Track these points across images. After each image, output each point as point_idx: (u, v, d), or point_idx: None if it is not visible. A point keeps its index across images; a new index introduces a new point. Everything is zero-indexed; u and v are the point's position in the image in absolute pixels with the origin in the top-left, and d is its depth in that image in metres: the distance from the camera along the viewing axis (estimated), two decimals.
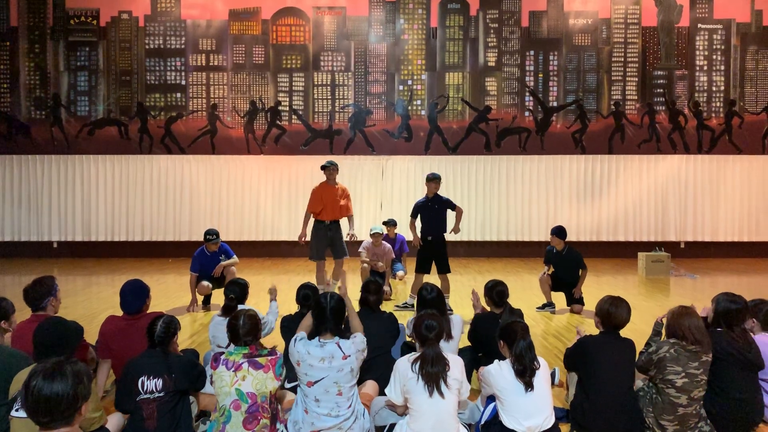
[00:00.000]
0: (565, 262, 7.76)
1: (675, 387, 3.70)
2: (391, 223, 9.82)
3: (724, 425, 3.88)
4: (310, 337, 3.65)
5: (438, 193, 7.72)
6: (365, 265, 8.91)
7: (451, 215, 7.72)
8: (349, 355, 3.55)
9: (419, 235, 7.76)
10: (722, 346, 3.95)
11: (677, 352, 3.74)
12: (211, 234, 7.73)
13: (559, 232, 7.80)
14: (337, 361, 3.50)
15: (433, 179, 7.70)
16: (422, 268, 7.68)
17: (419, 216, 7.76)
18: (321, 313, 3.67)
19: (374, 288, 4.67)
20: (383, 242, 9.17)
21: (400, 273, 9.79)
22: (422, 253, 7.70)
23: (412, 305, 7.39)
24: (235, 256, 8.01)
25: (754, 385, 3.98)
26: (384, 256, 9.08)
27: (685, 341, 3.75)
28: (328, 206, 7.91)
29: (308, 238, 7.91)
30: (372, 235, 9.05)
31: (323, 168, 8.09)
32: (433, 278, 7.05)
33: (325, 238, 7.96)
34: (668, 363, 3.72)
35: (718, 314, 4.10)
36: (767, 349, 4.08)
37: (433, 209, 7.64)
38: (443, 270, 7.63)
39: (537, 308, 7.80)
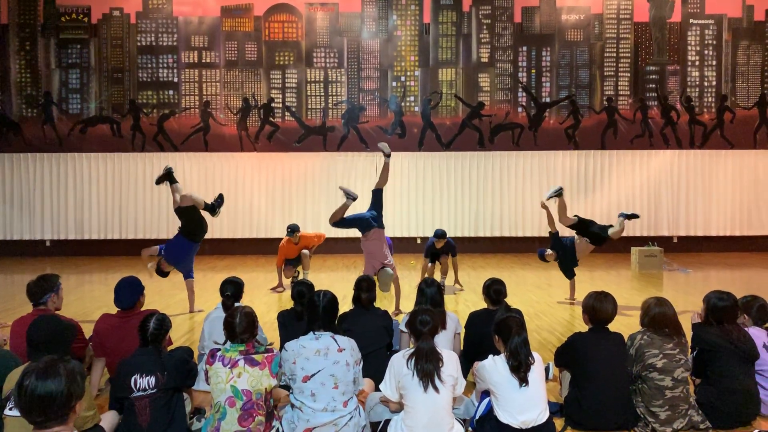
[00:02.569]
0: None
1: (657, 369, 3.79)
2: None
3: (718, 416, 3.87)
4: (303, 333, 3.67)
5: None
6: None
7: None
8: (344, 349, 3.57)
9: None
10: (714, 339, 3.98)
11: (650, 337, 3.89)
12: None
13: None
14: (332, 353, 3.53)
15: (439, 237, 8.47)
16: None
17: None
18: (314, 310, 3.69)
19: (366, 286, 4.66)
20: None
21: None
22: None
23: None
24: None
25: (748, 377, 3.97)
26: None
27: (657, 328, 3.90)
28: (292, 255, 9.21)
29: (285, 284, 8.97)
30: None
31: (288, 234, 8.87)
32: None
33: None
34: (645, 349, 3.85)
35: (709, 313, 4.12)
36: (760, 342, 4.10)
37: (441, 252, 8.76)
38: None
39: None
